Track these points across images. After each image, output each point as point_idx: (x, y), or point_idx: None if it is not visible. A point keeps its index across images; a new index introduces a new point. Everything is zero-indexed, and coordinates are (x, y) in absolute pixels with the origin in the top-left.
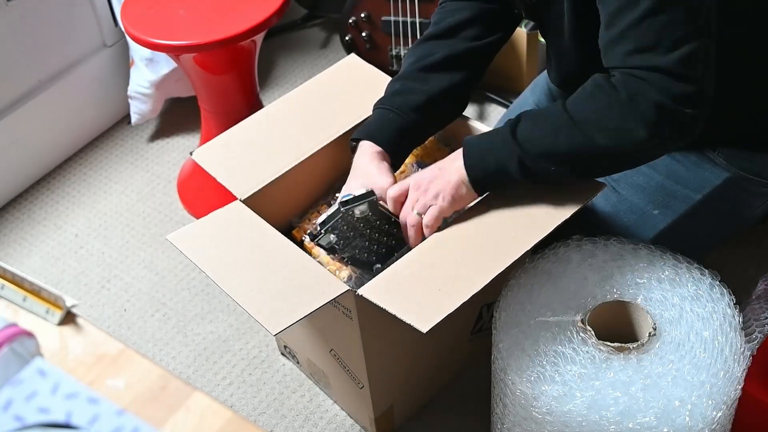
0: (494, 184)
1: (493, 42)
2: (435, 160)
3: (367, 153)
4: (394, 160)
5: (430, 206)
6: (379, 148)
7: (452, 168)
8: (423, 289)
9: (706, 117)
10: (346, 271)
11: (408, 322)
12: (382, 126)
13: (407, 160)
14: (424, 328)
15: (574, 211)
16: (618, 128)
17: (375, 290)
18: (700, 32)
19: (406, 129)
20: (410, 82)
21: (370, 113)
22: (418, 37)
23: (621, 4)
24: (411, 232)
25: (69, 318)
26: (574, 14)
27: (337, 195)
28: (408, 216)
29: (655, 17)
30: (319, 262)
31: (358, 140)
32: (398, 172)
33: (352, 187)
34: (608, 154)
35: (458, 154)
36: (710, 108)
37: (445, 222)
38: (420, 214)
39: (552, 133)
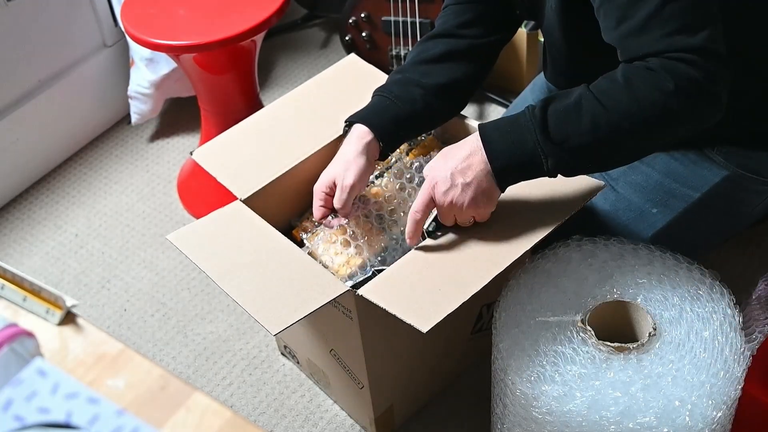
0: (519, 179)
1: (495, 41)
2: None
3: (353, 140)
4: (386, 147)
5: (470, 219)
6: (370, 136)
7: (479, 171)
8: (423, 289)
9: (728, 89)
10: (347, 269)
11: (408, 322)
12: (378, 111)
13: (407, 158)
14: (424, 328)
15: (574, 211)
16: (661, 111)
17: (375, 290)
18: (714, 16)
19: (402, 118)
20: (410, 74)
21: None
22: (418, 37)
23: None
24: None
25: (69, 318)
26: (563, 13)
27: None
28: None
29: (673, 3)
30: (319, 262)
31: (351, 123)
32: (385, 162)
33: (329, 170)
34: (651, 136)
35: (478, 148)
36: (730, 76)
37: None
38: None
39: (590, 129)
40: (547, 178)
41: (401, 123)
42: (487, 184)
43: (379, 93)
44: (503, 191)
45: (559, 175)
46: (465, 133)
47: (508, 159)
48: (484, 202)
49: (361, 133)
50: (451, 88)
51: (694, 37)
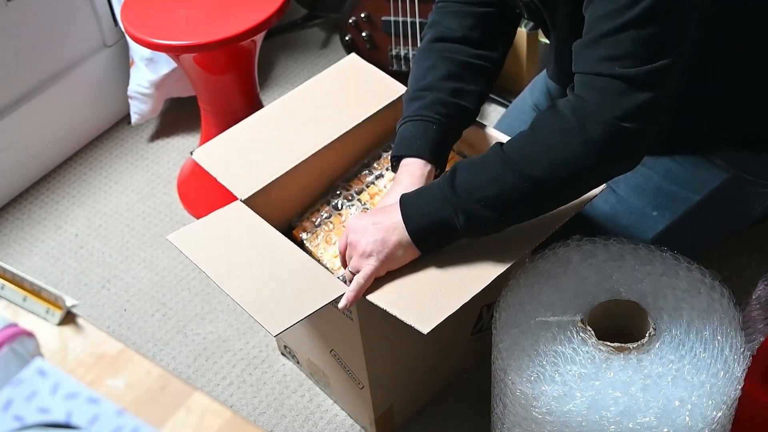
0: (438, 242)
1: (503, 46)
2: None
3: (415, 171)
4: (440, 173)
5: (361, 267)
6: (429, 167)
7: (389, 224)
8: (423, 290)
9: (655, 133)
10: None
11: (409, 323)
12: (426, 138)
13: None
14: (425, 329)
15: (574, 213)
16: (566, 158)
17: (375, 291)
18: (675, 49)
19: (445, 140)
20: (441, 93)
21: (371, 113)
22: (418, 36)
23: (606, 11)
24: (349, 294)
25: (69, 318)
26: (573, 17)
27: (340, 191)
28: (344, 272)
29: (636, 30)
30: (319, 262)
31: (402, 156)
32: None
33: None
34: (557, 187)
35: (395, 209)
36: (662, 124)
37: None
38: (352, 273)
39: (495, 179)
40: None
41: (446, 144)
42: (395, 232)
43: (417, 118)
44: (418, 244)
45: (476, 236)
46: (485, 140)
47: (421, 218)
48: (384, 252)
49: (417, 165)
50: (479, 102)
51: (635, 67)
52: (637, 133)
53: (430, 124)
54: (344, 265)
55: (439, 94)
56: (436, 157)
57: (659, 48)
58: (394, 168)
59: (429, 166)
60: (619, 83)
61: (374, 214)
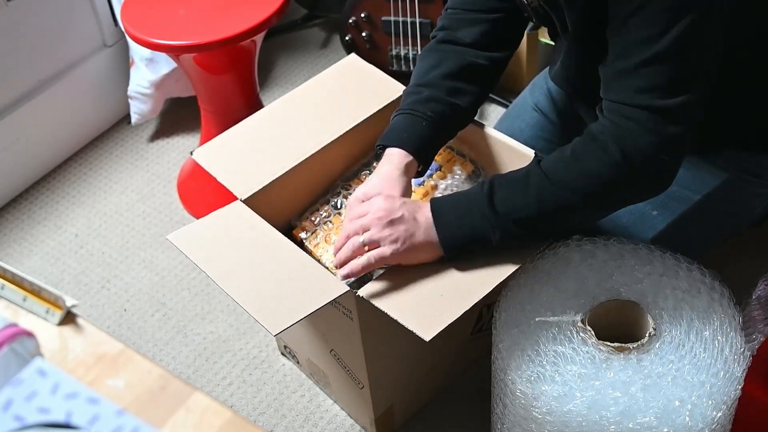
0: (469, 252)
1: (509, 50)
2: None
3: (393, 160)
4: (423, 168)
5: (380, 245)
6: (409, 158)
7: (423, 225)
8: (426, 294)
9: (679, 165)
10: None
11: (411, 329)
12: (412, 131)
13: None
14: (427, 336)
15: None
16: (609, 185)
17: (376, 292)
18: (708, 75)
19: (434, 136)
20: (437, 91)
21: (371, 113)
22: (418, 37)
23: (640, 38)
24: (343, 255)
25: (69, 318)
26: (583, 23)
27: (340, 191)
28: (353, 238)
29: (672, 59)
30: (319, 262)
31: (385, 146)
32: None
33: (365, 188)
34: (596, 210)
35: (428, 210)
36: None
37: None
38: (365, 245)
39: (536, 200)
40: None
41: (434, 141)
42: (426, 234)
43: (408, 111)
44: (449, 254)
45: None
46: (485, 140)
47: (457, 230)
48: (408, 244)
49: (399, 155)
50: (477, 103)
51: (669, 99)
52: (673, 163)
53: (420, 119)
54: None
55: (436, 91)
56: (420, 152)
57: (694, 77)
58: (378, 156)
59: (410, 158)
60: (657, 117)
61: (411, 204)
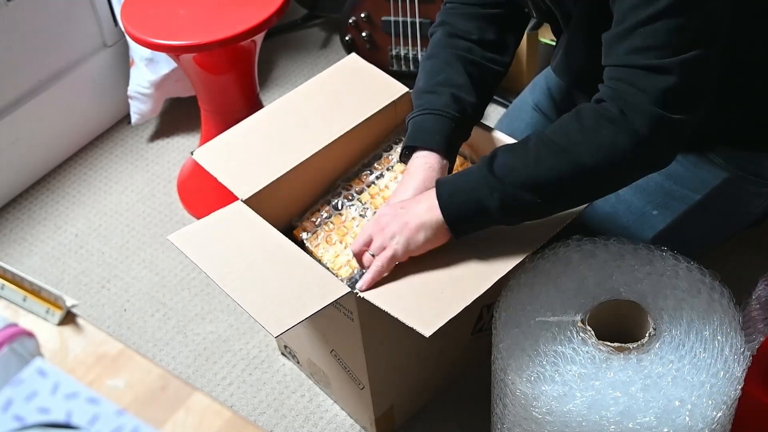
0: (472, 225)
1: (513, 48)
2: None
3: (429, 165)
4: (451, 165)
5: (384, 247)
6: (444, 162)
7: (418, 210)
8: (425, 292)
9: (695, 124)
10: (348, 270)
11: (411, 326)
12: (439, 132)
13: None
14: (427, 332)
15: (576, 215)
16: (608, 144)
17: (376, 292)
18: (710, 39)
19: (458, 136)
20: (459, 91)
21: (371, 113)
22: (419, 37)
23: (638, 2)
24: (367, 276)
25: (69, 318)
26: (590, 13)
27: (341, 191)
28: (364, 255)
29: (669, 19)
30: (319, 262)
31: (414, 148)
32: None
33: (402, 196)
34: (597, 173)
35: (428, 195)
36: (702, 114)
37: None
38: (374, 255)
39: (533, 160)
40: None
41: (460, 141)
42: (425, 215)
43: (437, 112)
44: (452, 227)
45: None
46: (486, 140)
47: (453, 185)
48: (405, 233)
49: (436, 159)
50: (487, 102)
51: (670, 57)
52: (675, 122)
53: (447, 119)
54: (360, 264)
55: (455, 90)
56: (450, 153)
57: (693, 38)
58: (405, 159)
59: (445, 161)
60: (652, 74)
61: (403, 202)
